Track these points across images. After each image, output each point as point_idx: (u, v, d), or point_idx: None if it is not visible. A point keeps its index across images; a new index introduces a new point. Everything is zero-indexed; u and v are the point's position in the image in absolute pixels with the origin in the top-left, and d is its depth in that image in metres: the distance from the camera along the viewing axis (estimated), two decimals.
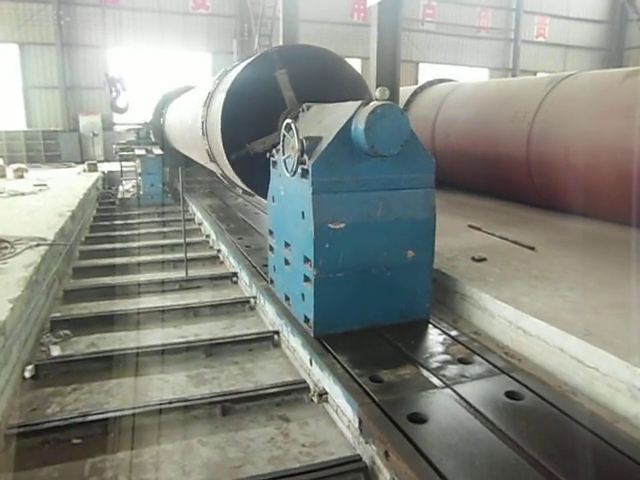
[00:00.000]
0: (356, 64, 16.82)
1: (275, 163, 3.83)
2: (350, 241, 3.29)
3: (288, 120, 3.35)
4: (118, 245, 6.76)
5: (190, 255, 6.14)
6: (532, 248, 4.89)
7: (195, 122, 5.84)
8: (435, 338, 3.36)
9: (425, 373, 2.88)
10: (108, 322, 4.28)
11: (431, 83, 9.00)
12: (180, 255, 5.99)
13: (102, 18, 13.89)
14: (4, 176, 10.74)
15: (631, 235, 5.19)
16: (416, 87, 8.98)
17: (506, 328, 3.48)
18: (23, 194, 8.21)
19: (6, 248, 4.70)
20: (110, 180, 11.69)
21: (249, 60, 4.51)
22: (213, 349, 3.80)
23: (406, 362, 3.01)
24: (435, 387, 2.73)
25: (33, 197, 8.08)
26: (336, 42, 15.99)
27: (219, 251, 6.33)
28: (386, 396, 2.63)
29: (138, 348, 3.73)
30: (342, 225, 3.25)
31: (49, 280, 4.65)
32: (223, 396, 3.07)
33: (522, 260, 4.53)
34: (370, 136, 3.08)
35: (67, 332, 4.06)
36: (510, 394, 2.65)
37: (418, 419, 2.44)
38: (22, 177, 10.58)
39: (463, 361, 3.02)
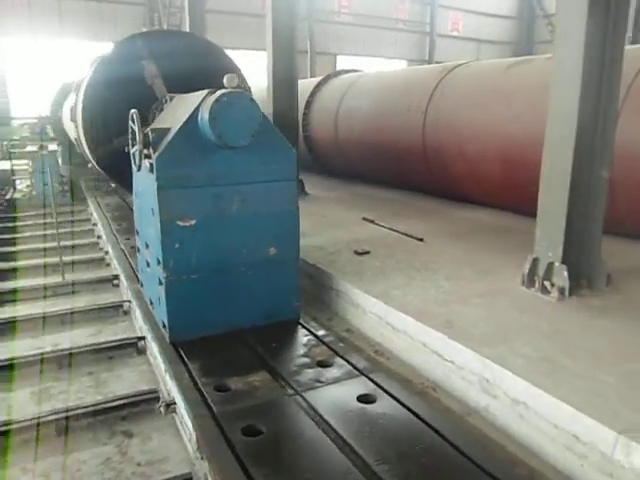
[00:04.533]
0: None
1: (134, 157, 3.54)
2: (203, 239, 3.06)
3: (132, 110, 3.07)
4: None
5: (77, 258, 5.76)
6: (421, 239, 4.86)
7: (71, 117, 5.43)
8: (300, 340, 3.19)
9: (278, 379, 2.71)
10: None
11: (337, 74, 8.90)
12: (64, 258, 5.58)
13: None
14: None
15: (518, 223, 5.28)
16: (320, 78, 8.85)
17: (376, 324, 3.37)
18: None
19: None
20: (2, 180, 10.80)
21: (109, 51, 4.17)
22: (69, 360, 3.47)
23: (260, 368, 2.82)
24: (284, 395, 2.56)
25: None
26: (247, 34, 15.63)
27: (107, 253, 5.92)
28: (226, 407, 2.44)
29: None
30: (193, 222, 3.02)
31: None
32: (59, 414, 2.75)
33: (407, 251, 4.48)
34: (216, 126, 2.86)
35: None
36: (362, 398, 2.52)
37: (253, 431, 2.25)
38: None
39: (322, 364, 2.86)
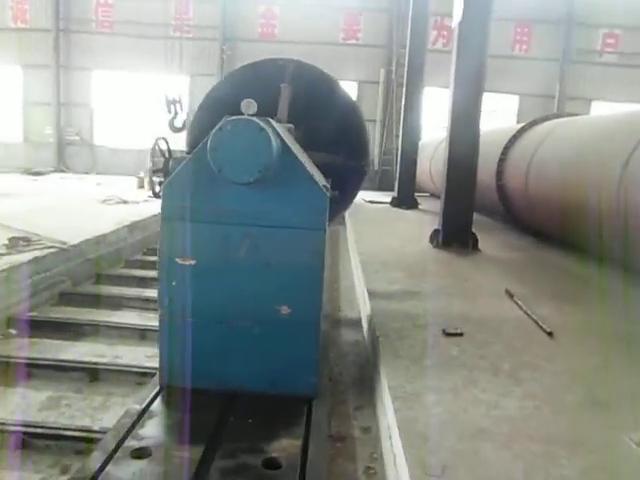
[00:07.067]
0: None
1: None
2: (204, 282, 2.74)
3: (157, 137, 2.98)
4: None
5: None
6: (549, 333, 3.61)
7: None
8: (282, 425, 2.54)
9: (200, 463, 2.19)
10: (62, 330, 4.33)
11: (544, 119, 7.60)
12: None
13: (257, 50, 15.02)
14: (143, 187, 12.10)
15: None
16: (524, 124, 7.68)
17: (386, 433, 2.52)
18: (125, 202, 9.06)
19: (18, 246, 5.09)
20: None
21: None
22: (102, 375, 3.54)
23: (204, 442, 2.32)
24: None
25: (132, 206, 8.85)
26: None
27: None
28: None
29: (44, 360, 3.66)
30: (192, 262, 2.73)
31: (39, 281, 4.87)
32: (28, 427, 2.77)
33: (513, 347, 3.35)
34: (216, 158, 2.53)
35: (12, 331, 4.18)
36: None
37: None
38: None
39: (269, 464, 2.22)
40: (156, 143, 2.95)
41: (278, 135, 2.65)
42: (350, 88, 16.49)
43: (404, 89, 10.68)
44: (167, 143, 2.98)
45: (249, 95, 2.86)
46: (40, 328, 4.31)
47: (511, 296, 4.45)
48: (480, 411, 2.45)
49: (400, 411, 2.39)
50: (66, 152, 16.91)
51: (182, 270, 2.73)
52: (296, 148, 2.97)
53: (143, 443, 2.31)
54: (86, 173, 16.07)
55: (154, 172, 2.99)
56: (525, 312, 4.06)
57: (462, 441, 2.18)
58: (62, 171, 16.34)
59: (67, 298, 5.12)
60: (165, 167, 2.89)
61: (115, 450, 2.24)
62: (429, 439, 2.16)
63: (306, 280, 2.73)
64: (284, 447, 2.35)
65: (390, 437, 2.38)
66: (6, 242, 5.15)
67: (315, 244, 2.73)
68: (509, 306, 4.25)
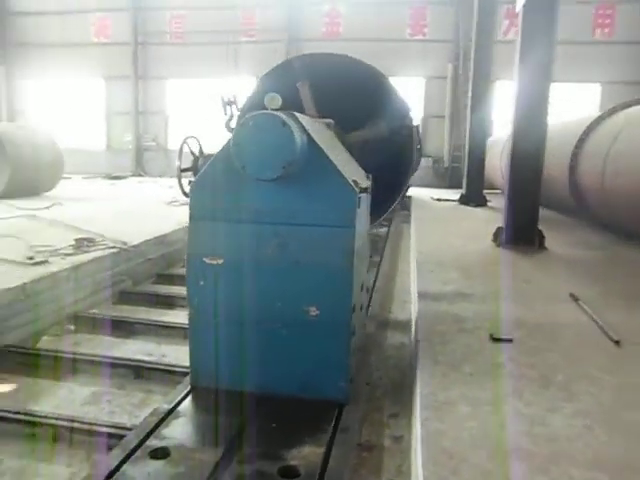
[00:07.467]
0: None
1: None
2: (232, 282, 2.70)
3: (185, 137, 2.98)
4: None
5: None
6: (617, 342, 3.25)
7: None
8: (307, 431, 2.43)
9: (212, 469, 2.14)
10: (118, 327, 4.48)
11: (627, 104, 6.94)
12: None
13: (322, 49, 15.05)
14: None
15: None
16: (601, 112, 7.06)
17: (415, 444, 2.34)
18: None
19: (83, 246, 5.36)
20: None
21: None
22: (147, 372, 3.61)
23: (221, 446, 2.28)
24: None
25: None
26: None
27: None
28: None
29: (94, 356, 3.79)
30: (220, 261, 2.69)
31: (101, 279, 5.09)
32: (63, 420, 2.85)
33: (569, 356, 3.03)
34: (239, 154, 2.49)
35: (71, 327, 4.38)
36: None
37: None
38: None
39: (286, 472, 2.13)
40: (184, 142, 2.95)
41: (304, 130, 2.55)
42: (418, 84, 16.12)
43: (470, 84, 10.24)
44: (198, 142, 2.97)
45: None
46: (97, 325, 4.49)
47: (576, 299, 4.07)
48: (520, 427, 2.21)
49: (427, 422, 2.21)
50: (144, 157, 17.83)
51: (210, 269, 2.70)
52: (328, 144, 2.86)
53: (164, 443, 2.29)
54: (160, 176, 16.84)
55: (183, 171, 2.99)
56: (590, 317, 3.70)
57: (493, 460, 1.96)
58: (140, 175, 17.24)
59: (127, 297, 5.32)
60: (194, 166, 2.88)
61: (135, 449, 2.25)
62: (455, 456, 1.97)
63: (335, 280, 2.61)
64: (305, 454, 2.25)
65: (415, 450, 2.20)
66: (72, 243, 5.42)
67: (345, 242, 2.60)
68: (573, 310, 3.88)
